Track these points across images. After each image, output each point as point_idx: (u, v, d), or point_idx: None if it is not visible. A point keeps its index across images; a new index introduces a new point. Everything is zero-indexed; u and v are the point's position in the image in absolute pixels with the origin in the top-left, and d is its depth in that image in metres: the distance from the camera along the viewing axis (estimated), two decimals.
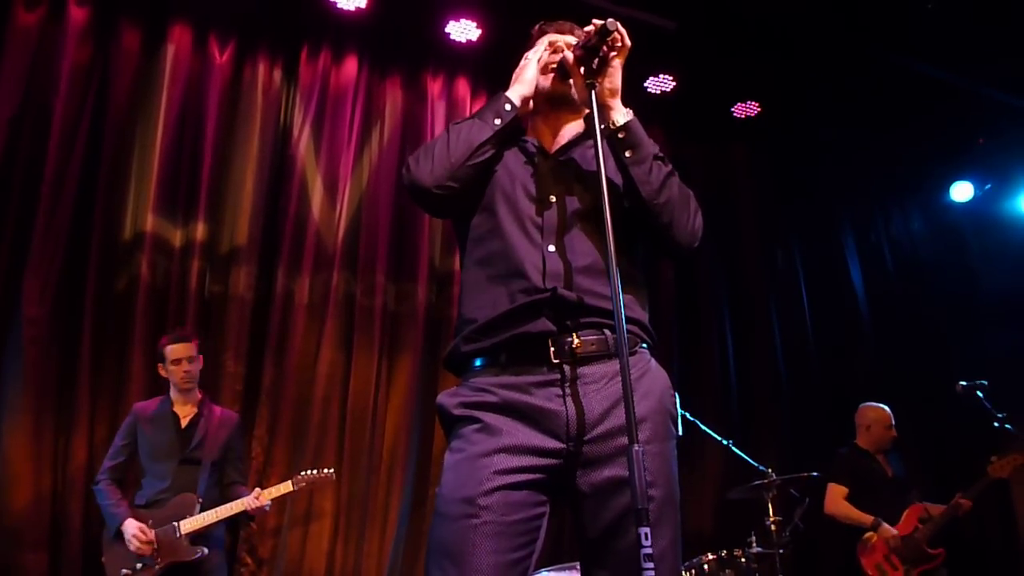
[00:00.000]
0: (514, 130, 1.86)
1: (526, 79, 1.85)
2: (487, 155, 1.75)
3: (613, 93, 1.74)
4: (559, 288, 1.62)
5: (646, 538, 1.32)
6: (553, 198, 1.74)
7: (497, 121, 1.76)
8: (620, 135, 1.72)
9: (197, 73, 4.77)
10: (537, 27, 1.97)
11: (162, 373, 3.89)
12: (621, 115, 1.73)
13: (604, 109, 1.73)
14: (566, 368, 1.60)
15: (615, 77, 1.74)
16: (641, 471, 1.35)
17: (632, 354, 1.64)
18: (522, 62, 1.88)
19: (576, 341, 1.60)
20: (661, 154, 1.74)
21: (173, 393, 3.87)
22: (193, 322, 4.40)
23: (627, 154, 1.71)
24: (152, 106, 4.62)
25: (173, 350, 3.83)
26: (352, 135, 5.07)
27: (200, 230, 4.58)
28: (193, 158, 4.66)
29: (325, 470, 3.88)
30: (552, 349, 1.60)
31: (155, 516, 3.59)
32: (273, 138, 4.89)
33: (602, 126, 1.69)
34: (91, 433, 4.12)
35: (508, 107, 1.78)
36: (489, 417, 1.58)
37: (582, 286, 1.64)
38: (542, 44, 1.90)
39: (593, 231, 1.70)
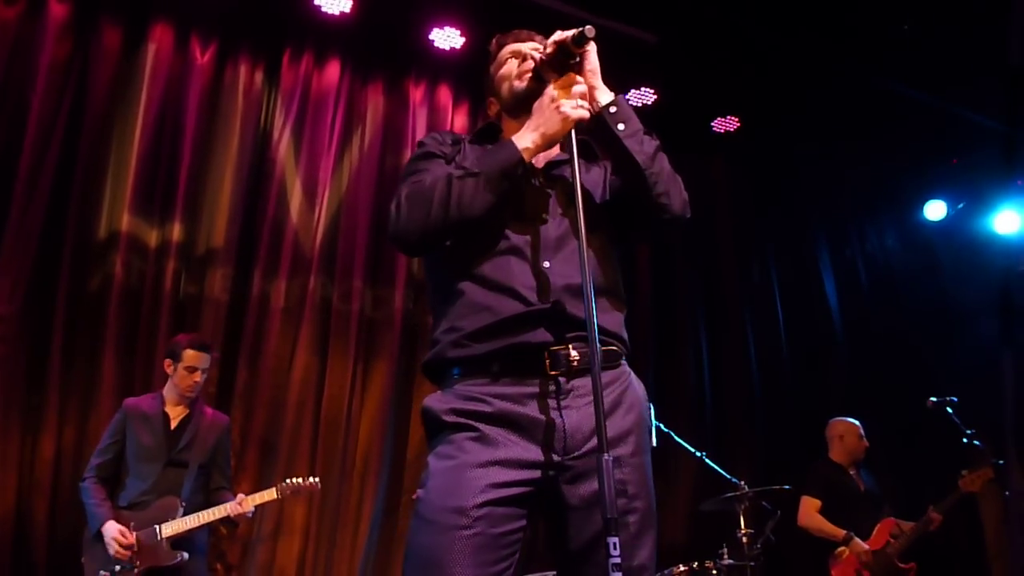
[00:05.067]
0: (494, 133, 1.84)
1: (550, 132, 1.64)
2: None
3: (594, 73, 1.73)
4: (560, 300, 1.61)
5: (614, 548, 1.33)
6: (546, 216, 1.71)
7: (505, 186, 1.64)
8: (611, 110, 1.72)
9: (177, 73, 4.73)
10: (494, 41, 1.93)
11: (168, 370, 3.77)
12: (606, 95, 1.74)
13: (589, 90, 1.72)
14: (561, 380, 1.59)
15: (592, 58, 1.73)
16: (611, 481, 1.36)
17: (616, 366, 1.67)
18: (547, 98, 1.67)
19: (574, 354, 1.59)
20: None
21: (168, 392, 3.78)
22: (167, 323, 4.36)
23: (620, 127, 1.71)
24: (131, 105, 4.58)
25: (193, 356, 3.72)
26: (332, 139, 5.06)
27: (176, 231, 4.53)
28: (171, 158, 4.62)
29: (311, 479, 3.80)
30: (548, 361, 1.59)
31: (137, 518, 3.49)
32: (253, 140, 4.87)
33: (592, 104, 1.70)
34: (59, 434, 4.05)
35: (520, 171, 1.66)
36: (484, 427, 1.56)
37: (575, 303, 1.62)
38: (511, 57, 1.86)
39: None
